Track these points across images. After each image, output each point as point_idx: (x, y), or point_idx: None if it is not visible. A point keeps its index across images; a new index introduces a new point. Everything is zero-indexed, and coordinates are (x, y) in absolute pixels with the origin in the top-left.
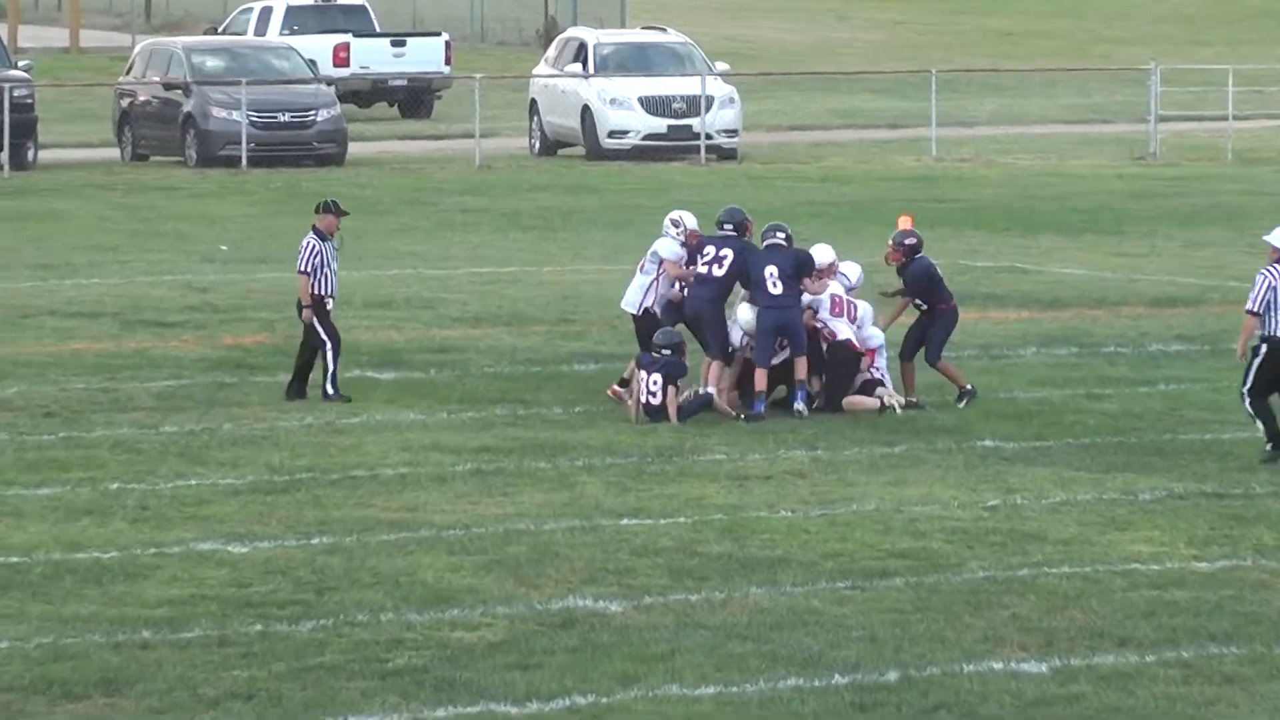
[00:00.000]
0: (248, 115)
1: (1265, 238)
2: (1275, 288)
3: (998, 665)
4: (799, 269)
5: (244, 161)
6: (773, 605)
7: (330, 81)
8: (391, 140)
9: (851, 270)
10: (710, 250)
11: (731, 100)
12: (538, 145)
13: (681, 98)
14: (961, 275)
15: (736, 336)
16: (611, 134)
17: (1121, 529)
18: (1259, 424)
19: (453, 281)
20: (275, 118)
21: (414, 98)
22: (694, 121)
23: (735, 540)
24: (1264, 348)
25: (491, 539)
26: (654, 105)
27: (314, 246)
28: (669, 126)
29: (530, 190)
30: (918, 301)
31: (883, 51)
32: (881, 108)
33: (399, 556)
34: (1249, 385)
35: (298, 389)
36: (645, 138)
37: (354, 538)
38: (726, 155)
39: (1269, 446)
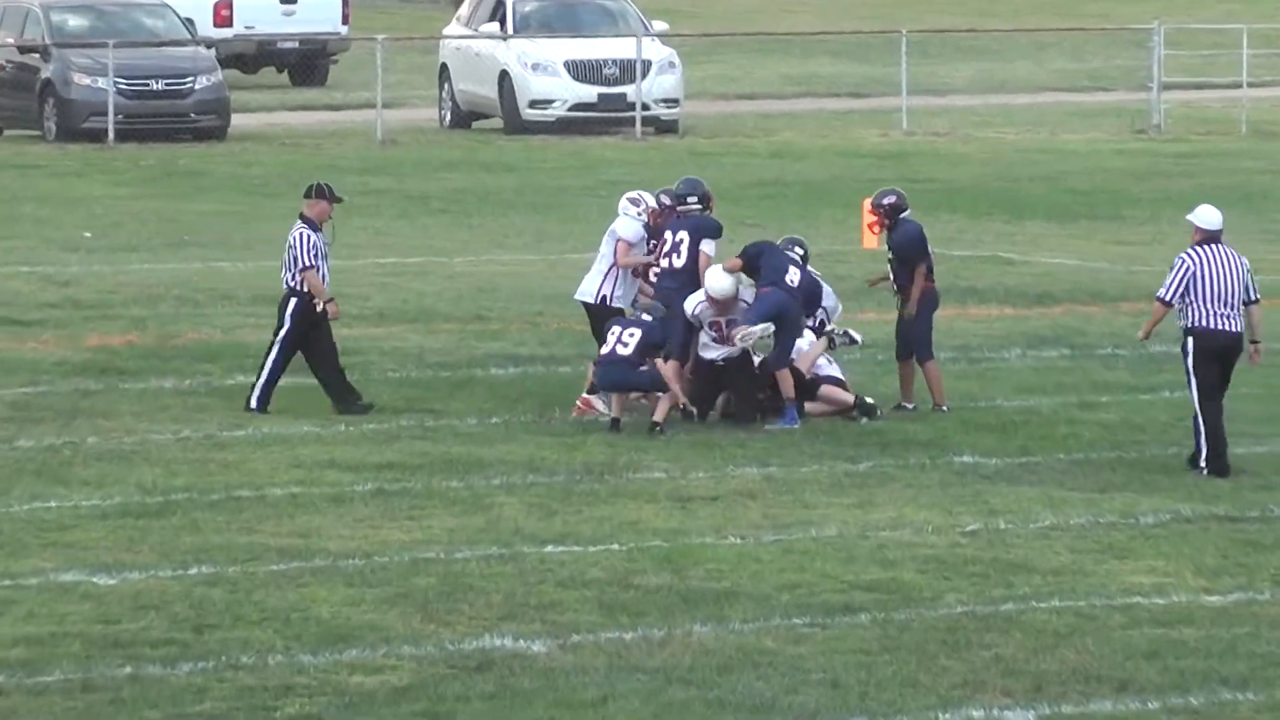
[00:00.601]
0: (115, 82)
1: (1189, 216)
2: (1195, 273)
3: (978, 713)
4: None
5: (111, 135)
6: (719, 645)
7: (210, 44)
8: (281, 111)
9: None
10: (668, 237)
11: (671, 65)
12: (449, 117)
13: (613, 62)
14: (937, 266)
15: (692, 305)
16: (533, 104)
17: (1120, 557)
18: (1200, 437)
19: (351, 273)
20: (147, 85)
21: (306, 62)
22: (628, 89)
23: (676, 571)
24: (1191, 343)
25: (396, 569)
26: (582, 71)
27: (308, 237)
28: (599, 95)
29: (440, 169)
30: (893, 281)
31: (843, 9)
32: (842, 73)
33: (290, 589)
34: (1197, 391)
35: (346, 398)
36: (572, 108)
37: (238, 567)
38: (665, 128)
39: (1198, 460)
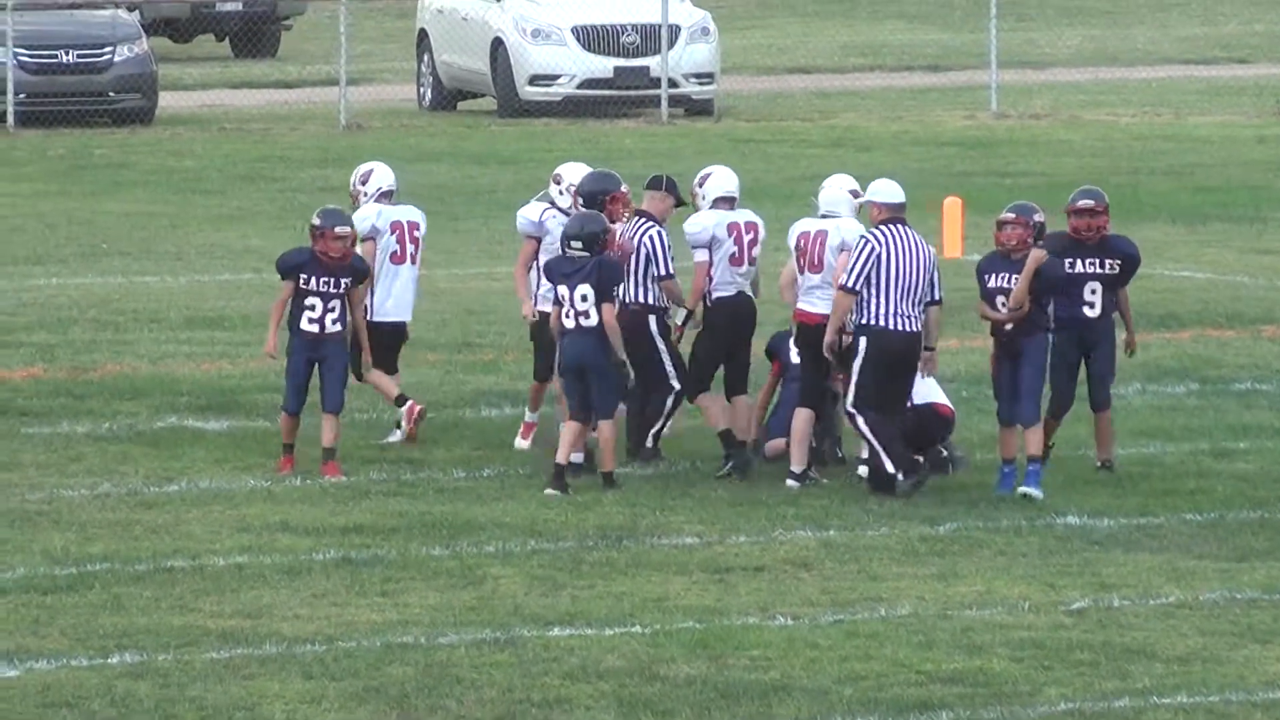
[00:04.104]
0: (16, 54)
1: (866, 195)
2: (880, 257)
3: None
4: None
5: (10, 119)
6: None
7: (133, 6)
8: (221, 89)
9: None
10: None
11: (705, 31)
12: (429, 96)
13: (633, 28)
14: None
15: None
16: (534, 80)
17: (1262, 641)
18: (863, 455)
19: None
20: (54, 58)
21: (252, 29)
22: (652, 62)
23: (713, 658)
24: (863, 342)
25: (366, 657)
26: (595, 38)
27: (665, 239)
28: (616, 69)
29: (418, 160)
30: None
31: None
32: (918, 42)
33: (234, 682)
34: (853, 397)
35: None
36: (582, 85)
37: (170, 655)
38: (698, 109)
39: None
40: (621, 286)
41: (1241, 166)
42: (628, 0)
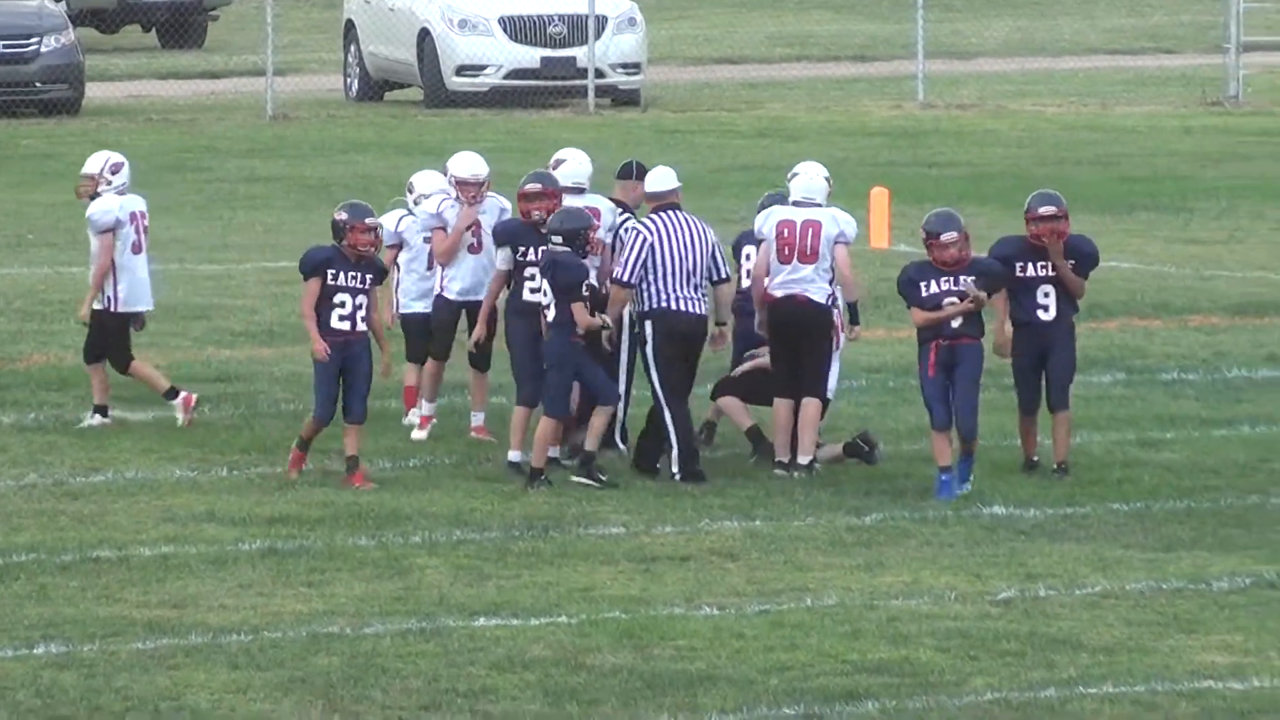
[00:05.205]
0: None
1: (645, 186)
2: (654, 246)
3: None
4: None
5: None
6: None
7: None
8: (148, 79)
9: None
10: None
11: (632, 22)
12: (356, 86)
13: (560, 18)
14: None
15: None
16: (461, 70)
17: (1188, 630)
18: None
19: (235, 281)
20: None
21: (179, 19)
22: (578, 52)
23: (638, 648)
24: (649, 327)
25: (291, 647)
26: (521, 29)
27: None
28: (543, 59)
29: (345, 151)
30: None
31: None
32: (845, 32)
33: (160, 672)
34: (660, 386)
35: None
36: (509, 75)
37: (95, 646)
38: (625, 99)
39: (672, 465)
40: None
41: (1168, 157)
42: None
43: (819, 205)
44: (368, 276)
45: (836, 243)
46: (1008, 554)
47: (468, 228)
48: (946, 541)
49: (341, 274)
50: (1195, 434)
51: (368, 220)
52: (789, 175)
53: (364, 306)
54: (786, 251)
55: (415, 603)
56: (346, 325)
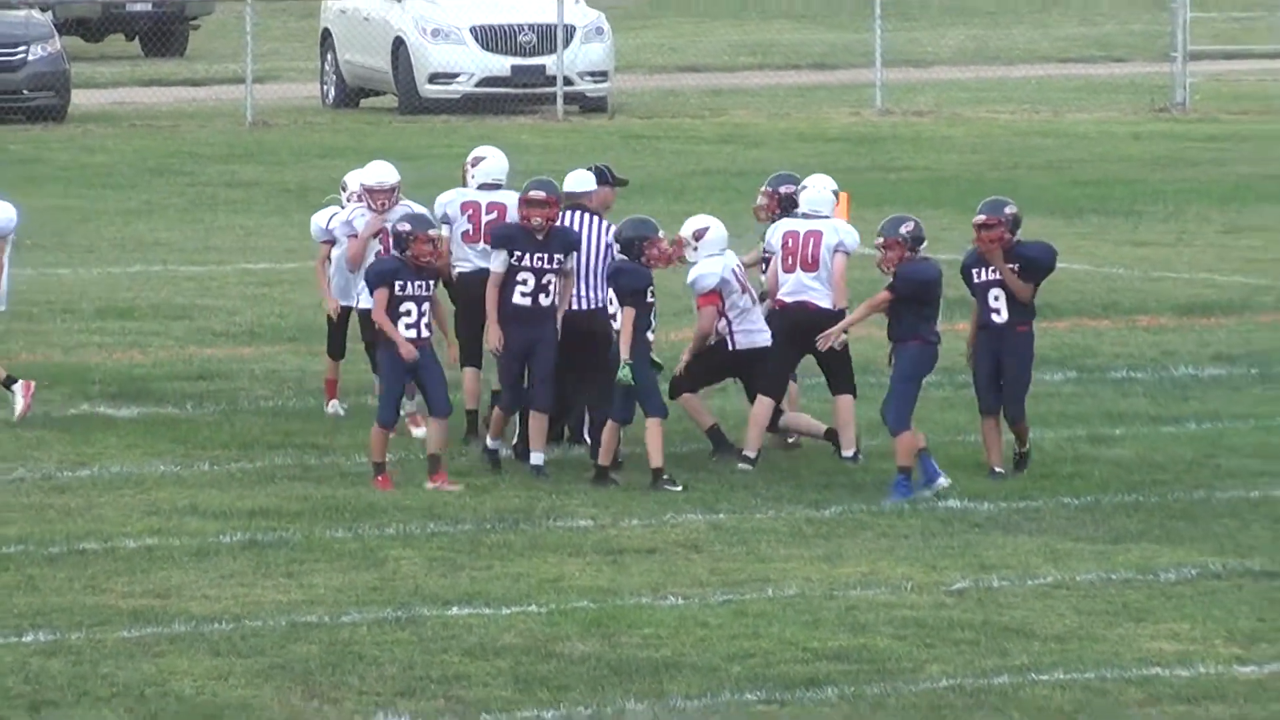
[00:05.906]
0: None
1: (565, 185)
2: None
3: None
4: None
5: None
6: None
7: (46, 7)
8: (131, 86)
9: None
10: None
11: (599, 31)
12: (332, 94)
13: (530, 28)
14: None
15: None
16: (434, 78)
17: (1136, 619)
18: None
19: (216, 282)
20: None
21: (161, 28)
22: (547, 61)
23: (606, 637)
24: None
25: (271, 636)
26: (492, 38)
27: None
28: (513, 68)
29: (322, 156)
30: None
31: None
32: (806, 41)
33: (144, 659)
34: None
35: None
36: (480, 83)
37: (82, 634)
38: (593, 106)
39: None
40: (581, 286)
41: (1118, 162)
42: (524, 1)
43: (825, 217)
44: (431, 283)
45: (836, 251)
46: (962, 546)
47: (374, 234)
48: (903, 533)
49: (409, 284)
50: (1144, 430)
51: (430, 232)
52: (799, 188)
53: (428, 313)
54: (790, 260)
55: (391, 593)
56: (413, 334)
